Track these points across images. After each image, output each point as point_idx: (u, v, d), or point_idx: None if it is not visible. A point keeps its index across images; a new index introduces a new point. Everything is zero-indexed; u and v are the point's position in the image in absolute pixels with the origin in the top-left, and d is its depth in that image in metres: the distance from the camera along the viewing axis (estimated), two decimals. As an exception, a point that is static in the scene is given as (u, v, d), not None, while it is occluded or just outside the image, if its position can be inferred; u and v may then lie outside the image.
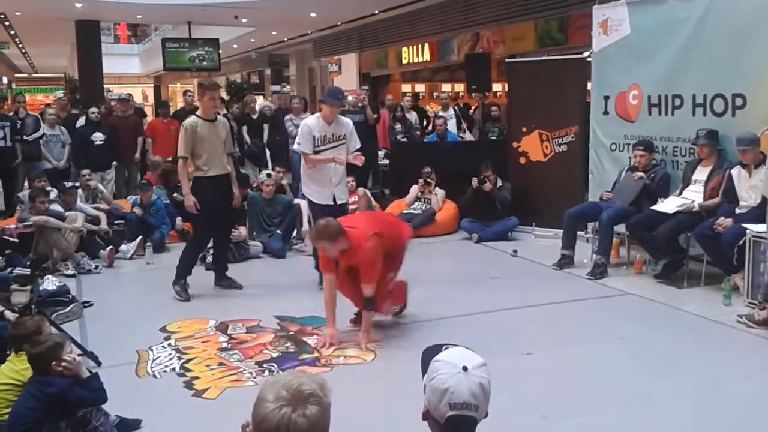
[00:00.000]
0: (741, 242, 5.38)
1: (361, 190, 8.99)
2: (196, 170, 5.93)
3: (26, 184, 8.52)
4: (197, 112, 6.12)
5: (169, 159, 9.73)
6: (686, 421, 3.63)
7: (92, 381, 3.29)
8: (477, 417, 1.78)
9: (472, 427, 1.78)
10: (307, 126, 6.17)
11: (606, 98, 7.36)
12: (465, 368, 1.76)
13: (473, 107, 12.70)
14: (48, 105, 12.51)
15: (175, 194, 6.73)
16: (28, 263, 5.51)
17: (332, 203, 6.20)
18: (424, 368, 1.87)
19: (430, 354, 1.87)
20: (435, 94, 19.30)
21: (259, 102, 13.42)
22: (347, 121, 6.37)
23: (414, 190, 8.76)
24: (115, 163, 10.00)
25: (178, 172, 6.13)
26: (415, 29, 15.64)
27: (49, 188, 7.69)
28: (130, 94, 14.31)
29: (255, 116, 11.28)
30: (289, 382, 1.55)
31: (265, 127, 10.96)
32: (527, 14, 12.22)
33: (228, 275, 6.36)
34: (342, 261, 4.82)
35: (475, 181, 8.19)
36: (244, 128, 11.03)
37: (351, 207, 8.82)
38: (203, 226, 6.14)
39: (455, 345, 1.89)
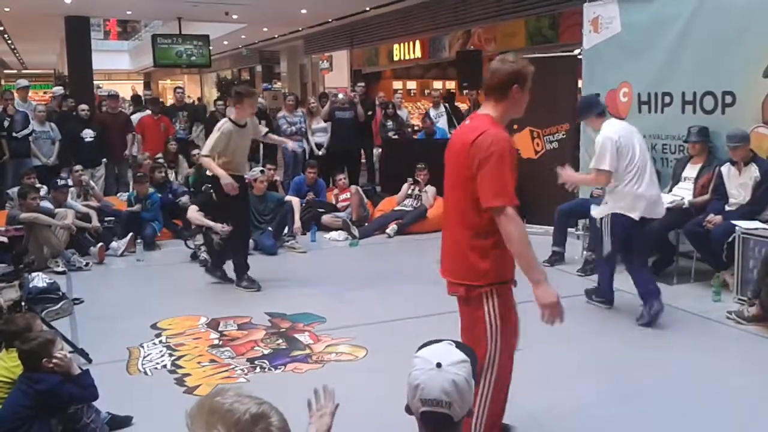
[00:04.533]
0: (730, 239, 5.42)
1: (353, 187, 8.99)
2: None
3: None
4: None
5: (158, 156, 9.71)
6: (677, 416, 3.65)
7: (83, 378, 3.29)
8: (451, 414, 1.74)
9: (447, 424, 1.76)
10: None
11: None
12: (438, 365, 1.75)
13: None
14: (48, 103, 12.42)
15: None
16: (11, 257, 5.48)
17: None
18: None
19: (421, 348, 1.87)
20: (426, 91, 19.29)
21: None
22: None
23: (405, 187, 8.77)
24: (105, 160, 9.97)
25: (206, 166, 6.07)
26: (407, 26, 15.61)
27: (38, 185, 7.65)
28: (147, 92, 14.25)
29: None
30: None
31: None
32: (518, 12, 12.23)
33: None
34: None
35: None
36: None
37: (343, 204, 8.85)
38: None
39: (449, 340, 1.89)
